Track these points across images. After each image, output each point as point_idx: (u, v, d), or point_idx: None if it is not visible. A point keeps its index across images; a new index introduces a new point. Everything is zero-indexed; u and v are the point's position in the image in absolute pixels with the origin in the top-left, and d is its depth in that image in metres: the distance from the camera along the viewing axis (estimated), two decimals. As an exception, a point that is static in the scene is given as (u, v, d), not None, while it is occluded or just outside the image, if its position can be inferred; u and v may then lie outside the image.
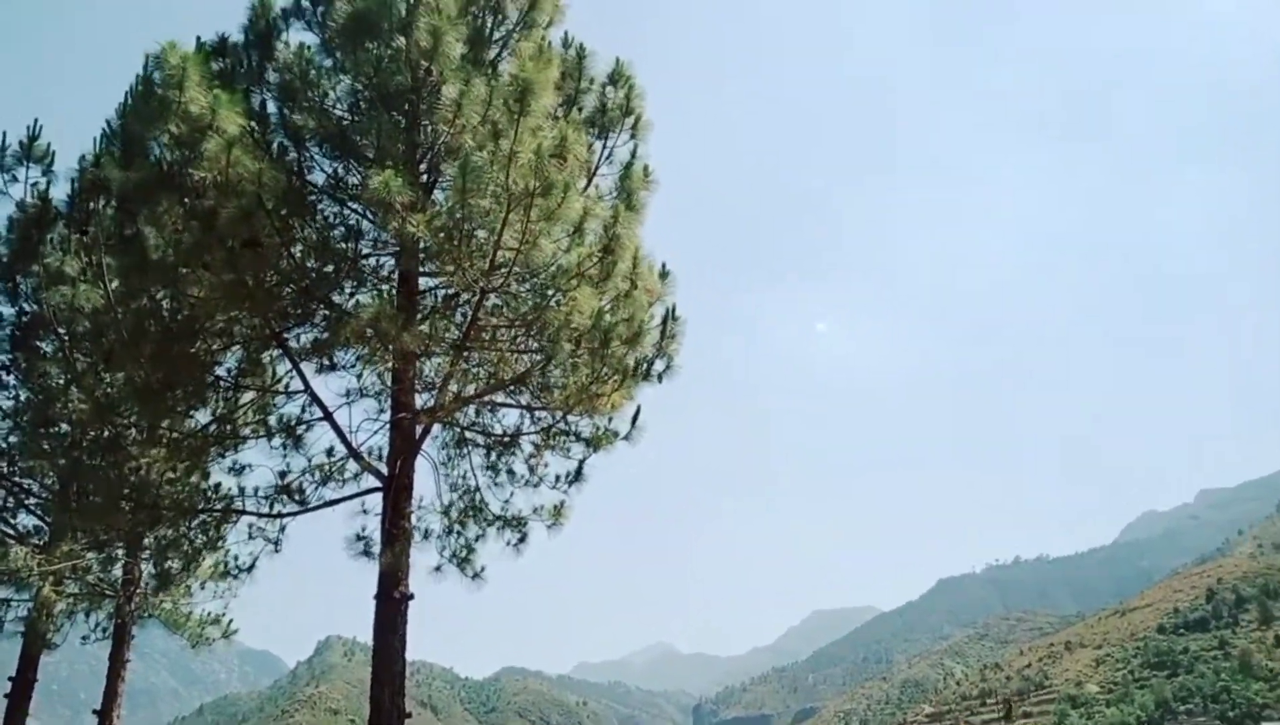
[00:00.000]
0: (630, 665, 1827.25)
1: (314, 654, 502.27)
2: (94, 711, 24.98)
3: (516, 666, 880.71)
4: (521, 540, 20.72)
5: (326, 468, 19.70)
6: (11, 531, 23.50)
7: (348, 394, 19.24)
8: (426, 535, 20.58)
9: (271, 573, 23.00)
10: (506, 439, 20.53)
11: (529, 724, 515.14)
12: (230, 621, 25.42)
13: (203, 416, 19.95)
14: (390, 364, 17.90)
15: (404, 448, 17.98)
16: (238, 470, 20.51)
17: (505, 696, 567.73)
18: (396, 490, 17.93)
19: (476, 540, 20.85)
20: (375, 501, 18.48)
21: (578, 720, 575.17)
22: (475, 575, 20.79)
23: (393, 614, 17.22)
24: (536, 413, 19.88)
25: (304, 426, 19.74)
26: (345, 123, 17.37)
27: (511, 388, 19.01)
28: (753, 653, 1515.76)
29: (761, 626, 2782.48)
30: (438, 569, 20.61)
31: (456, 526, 20.81)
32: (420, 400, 18.40)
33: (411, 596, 17.43)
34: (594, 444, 20.08)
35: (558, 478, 20.46)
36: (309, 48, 17.64)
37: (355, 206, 17.77)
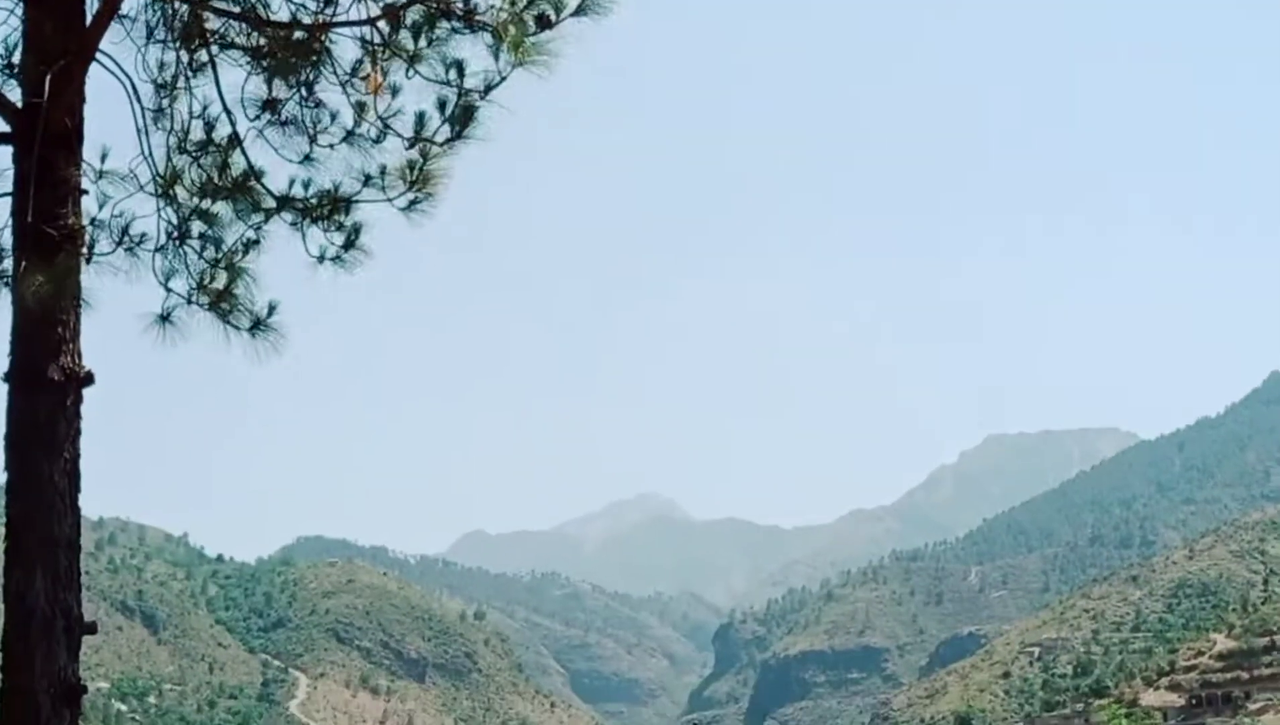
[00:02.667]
0: (585, 537, 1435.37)
1: None
2: None
3: (326, 538, 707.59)
4: (350, 242, 10.37)
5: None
6: None
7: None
8: (128, 242, 10.18)
9: None
10: (299, 36, 9.90)
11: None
12: None
13: None
14: None
15: (61, 48, 8.86)
16: None
17: (304, 592, 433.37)
18: (48, 141, 8.80)
19: (246, 250, 10.41)
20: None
21: (464, 648, 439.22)
22: (256, 326, 10.37)
23: (45, 413, 8.75)
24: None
25: None
26: None
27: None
28: (851, 520, 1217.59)
29: (871, 472, 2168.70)
30: (165, 319, 10.37)
31: (194, 221, 10.33)
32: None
33: (88, 378, 8.94)
34: (504, 37, 9.20)
35: (420, 119, 9.85)
36: None
37: None
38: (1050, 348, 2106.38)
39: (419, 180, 9.79)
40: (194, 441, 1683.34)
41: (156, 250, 10.25)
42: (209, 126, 10.26)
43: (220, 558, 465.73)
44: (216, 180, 10.00)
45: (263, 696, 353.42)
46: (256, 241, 10.35)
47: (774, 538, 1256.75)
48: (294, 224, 10.11)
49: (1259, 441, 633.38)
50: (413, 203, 10.01)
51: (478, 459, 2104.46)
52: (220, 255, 10.30)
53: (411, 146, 9.62)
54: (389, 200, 9.94)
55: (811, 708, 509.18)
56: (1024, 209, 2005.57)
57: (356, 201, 10.17)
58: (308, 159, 10.14)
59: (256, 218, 10.30)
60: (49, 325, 8.35)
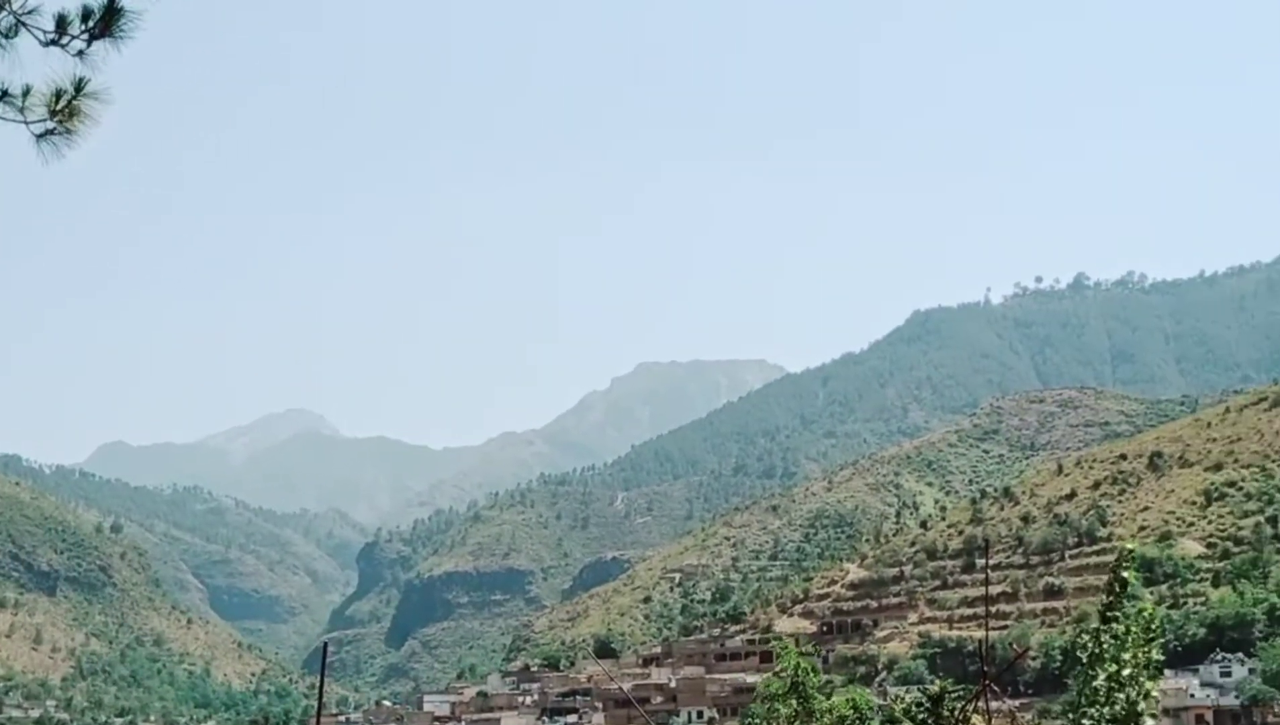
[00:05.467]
0: (231, 451, 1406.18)
1: None
2: None
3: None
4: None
5: None
6: None
7: None
8: None
9: None
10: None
11: None
12: None
13: None
14: None
15: None
16: None
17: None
18: None
19: None
20: None
21: (99, 562, 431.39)
22: None
23: None
24: None
25: None
26: None
27: None
28: (501, 442, 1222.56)
29: (523, 396, 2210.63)
30: None
31: None
32: None
33: None
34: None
35: (62, 19, 7.76)
36: None
37: None
38: (703, 278, 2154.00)
39: (61, 107, 7.75)
40: None
41: None
42: None
43: None
44: None
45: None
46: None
47: (422, 457, 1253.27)
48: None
49: (899, 378, 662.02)
50: (49, 132, 7.92)
51: (121, 366, 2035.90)
52: None
53: (53, 43, 7.62)
54: (25, 122, 7.91)
55: (454, 628, 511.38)
56: (676, 145, 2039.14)
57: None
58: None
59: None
60: None
